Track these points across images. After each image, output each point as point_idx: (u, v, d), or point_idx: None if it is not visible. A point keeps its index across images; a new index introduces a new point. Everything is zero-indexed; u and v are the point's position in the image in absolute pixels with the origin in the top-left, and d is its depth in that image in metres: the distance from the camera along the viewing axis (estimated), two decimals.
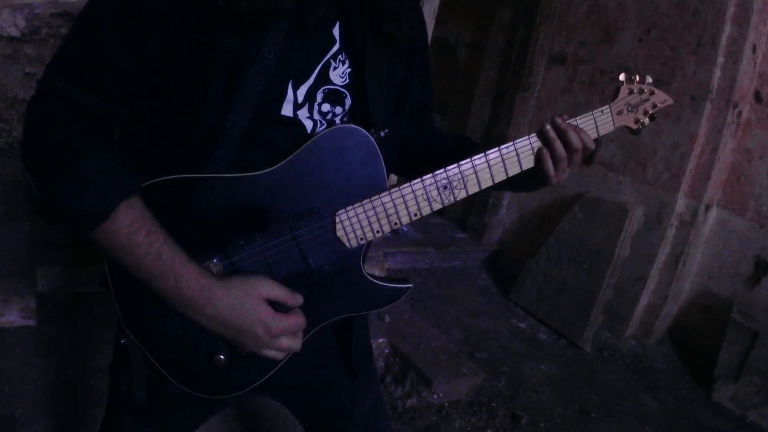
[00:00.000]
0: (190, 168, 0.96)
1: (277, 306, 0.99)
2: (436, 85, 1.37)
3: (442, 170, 1.05)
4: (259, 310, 0.96)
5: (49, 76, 0.94)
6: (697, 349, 3.68)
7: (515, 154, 1.07)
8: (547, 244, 3.94)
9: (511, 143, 1.07)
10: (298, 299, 1.01)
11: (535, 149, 1.08)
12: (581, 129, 1.09)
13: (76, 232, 0.90)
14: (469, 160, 1.06)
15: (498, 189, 1.13)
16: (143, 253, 0.90)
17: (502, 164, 1.07)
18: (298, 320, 1.00)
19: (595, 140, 1.13)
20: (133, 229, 0.90)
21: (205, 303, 0.93)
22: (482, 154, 1.06)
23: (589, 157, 1.15)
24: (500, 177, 1.08)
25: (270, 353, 1.00)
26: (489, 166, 1.06)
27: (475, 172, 1.06)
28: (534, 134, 1.09)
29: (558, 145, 1.07)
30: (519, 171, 1.09)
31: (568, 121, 1.08)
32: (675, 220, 3.63)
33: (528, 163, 1.09)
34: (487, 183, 1.08)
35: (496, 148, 1.07)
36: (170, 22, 0.92)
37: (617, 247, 3.62)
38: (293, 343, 1.01)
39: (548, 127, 1.07)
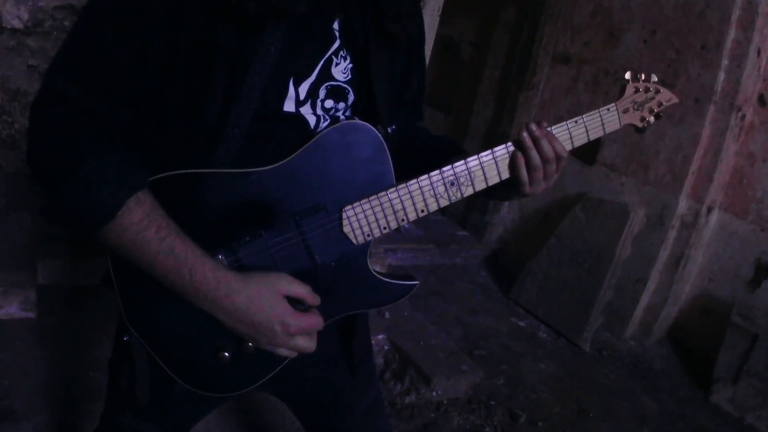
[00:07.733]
0: (194, 165, 0.96)
1: (295, 304, 0.98)
2: (439, 84, 1.37)
3: (449, 166, 1.04)
4: (278, 307, 0.95)
5: (51, 79, 0.93)
6: (697, 351, 3.68)
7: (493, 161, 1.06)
8: (548, 244, 3.95)
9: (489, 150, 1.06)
10: (317, 298, 1.00)
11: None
12: (555, 137, 1.07)
13: (87, 233, 0.90)
14: (475, 156, 1.05)
15: (484, 196, 1.12)
16: (155, 249, 0.90)
17: (494, 165, 1.06)
18: (316, 320, 1.00)
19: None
20: (144, 225, 0.89)
21: (222, 297, 0.93)
22: (488, 151, 1.06)
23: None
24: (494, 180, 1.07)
25: (284, 352, 1.00)
26: (496, 163, 1.06)
27: (482, 169, 1.06)
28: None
29: (534, 153, 1.05)
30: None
31: (547, 129, 1.07)
32: (676, 222, 3.63)
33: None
34: (493, 180, 1.07)
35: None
36: (172, 23, 0.91)
37: (618, 247, 3.62)
38: (309, 344, 1.00)
39: (524, 135, 1.05)
